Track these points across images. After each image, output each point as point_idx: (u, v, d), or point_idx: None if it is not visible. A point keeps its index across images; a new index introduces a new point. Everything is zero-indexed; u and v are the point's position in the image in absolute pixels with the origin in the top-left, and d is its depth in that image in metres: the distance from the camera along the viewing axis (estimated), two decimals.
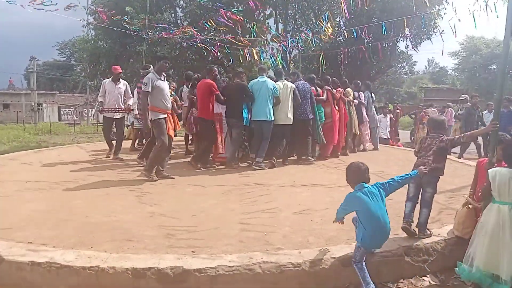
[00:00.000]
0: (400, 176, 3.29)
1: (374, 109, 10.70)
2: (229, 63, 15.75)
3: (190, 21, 17.14)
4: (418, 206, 3.69)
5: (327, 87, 8.57)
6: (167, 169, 6.32)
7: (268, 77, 7.71)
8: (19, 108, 37.52)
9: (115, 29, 13.51)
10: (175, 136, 7.25)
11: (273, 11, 19.24)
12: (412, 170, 3.65)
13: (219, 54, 14.09)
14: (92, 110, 33.74)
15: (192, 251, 3.22)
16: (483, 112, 11.27)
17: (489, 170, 3.09)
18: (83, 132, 22.19)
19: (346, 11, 11.95)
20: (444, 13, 14.73)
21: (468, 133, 3.82)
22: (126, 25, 12.72)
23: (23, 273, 2.94)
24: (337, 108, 8.67)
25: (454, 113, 12.97)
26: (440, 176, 3.68)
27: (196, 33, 13.00)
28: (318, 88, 8.41)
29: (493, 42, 32.96)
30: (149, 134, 7.45)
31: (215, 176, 6.54)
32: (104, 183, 5.96)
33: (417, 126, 13.92)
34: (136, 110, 8.44)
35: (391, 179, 3.25)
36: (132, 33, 13.24)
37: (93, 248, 3.25)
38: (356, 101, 9.45)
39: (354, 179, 3.14)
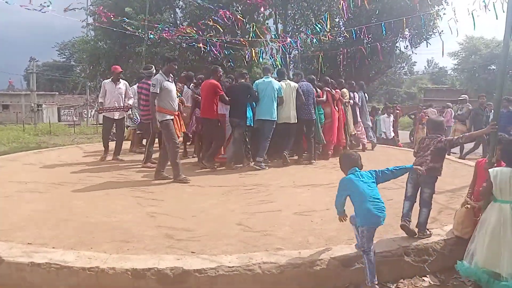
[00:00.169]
0: (395, 167, 3.32)
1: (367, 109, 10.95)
2: (229, 63, 15.77)
3: (189, 22, 17.15)
4: (417, 206, 3.69)
5: (326, 88, 8.70)
6: (166, 170, 6.30)
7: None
8: (19, 109, 37.51)
9: (114, 29, 13.51)
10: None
11: (273, 12, 19.25)
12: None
13: (219, 54, 14.05)
14: (91, 111, 33.71)
15: (192, 252, 3.22)
16: None
17: (490, 170, 3.10)
18: (83, 133, 22.17)
19: (345, 12, 11.96)
20: (444, 13, 14.74)
21: (467, 134, 3.82)
22: (126, 26, 12.72)
23: (23, 274, 2.94)
24: (336, 108, 8.77)
25: (453, 114, 12.96)
26: (439, 177, 3.68)
27: (196, 30, 13.00)
28: (318, 89, 8.50)
29: (493, 43, 32.99)
30: (148, 134, 7.45)
31: (215, 177, 6.54)
32: (104, 183, 5.95)
33: (417, 127, 13.92)
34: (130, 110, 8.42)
35: (385, 168, 3.30)
36: (131, 33, 13.25)
37: (93, 249, 3.25)
38: (351, 101, 9.61)
39: (347, 166, 3.25)
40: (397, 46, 19.37)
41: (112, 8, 14.62)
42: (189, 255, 3.12)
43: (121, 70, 8.50)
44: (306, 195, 5.26)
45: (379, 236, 3.59)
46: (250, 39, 13.15)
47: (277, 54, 14.77)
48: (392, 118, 13.35)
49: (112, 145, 8.40)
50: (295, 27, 20.19)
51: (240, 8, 16.25)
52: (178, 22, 18.66)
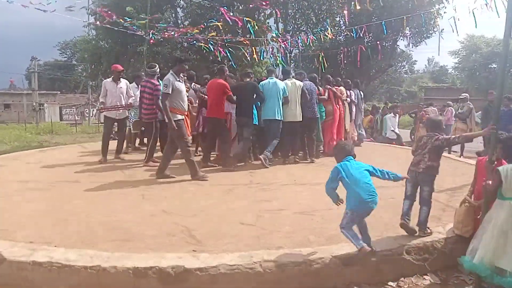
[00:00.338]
0: (388, 171, 3.35)
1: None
2: (229, 62, 15.78)
3: (190, 21, 17.16)
4: (418, 205, 3.69)
5: (328, 86, 8.78)
6: (172, 169, 6.32)
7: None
8: (21, 108, 37.56)
9: (116, 29, 13.52)
10: None
11: (273, 11, 19.24)
12: (408, 169, 3.74)
13: (219, 54, 14.05)
14: (93, 110, 33.75)
15: (193, 250, 3.23)
16: None
17: (499, 168, 3.10)
18: (85, 132, 22.19)
19: (346, 14, 11.97)
20: (444, 12, 14.72)
21: (464, 134, 3.83)
22: (127, 25, 12.72)
23: (24, 273, 2.94)
24: (337, 106, 8.88)
25: (454, 112, 12.94)
26: (436, 175, 3.69)
27: (196, 29, 13.00)
28: (319, 88, 8.58)
29: (493, 41, 32.91)
30: (150, 134, 7.43)
31: (216, 175, 6.54)
32: (105, 182, 5.96)
33: (417, 125, 13.88)
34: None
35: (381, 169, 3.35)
36: (133, 33, 13.26)
37: (94, 248, 3.25)
38: (348, 99, 9.72)
39: (341, 156, 3.34)
40: (397, 45, 19.38)
41: (113, 7, 14.62)
42: (190, 254, 3.13)
43: (122, 69, 8.40)
44: (307, 193, 5.26)
45: (380, 235, 3.60)
46: (251, 38, 13.15)
47: (277, 53, 14.78)
48: (398, 117, 13.34)
49: (112, 145, 8.37)
50: (295, 26, 20.18)
51: (241, 8, 16.27)
52: (179, 21, 18.67)
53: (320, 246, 3.30)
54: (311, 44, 13.91)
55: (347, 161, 3.26)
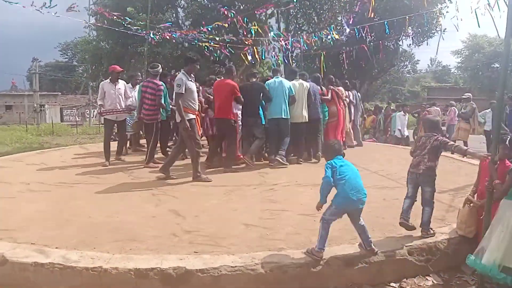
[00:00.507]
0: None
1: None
2: (231, 63, 15.77)
3: (191, 21, 17.15)
4: (419, 205, 3.68)
5: (331, 86, 8.79)
6: (171, 169, 6.32)
7: (272, 77, 7.83)
8: (22, 109, 37.61)
9: (116, 29, 13.53)
10: None
11: (275, 10, 19.20)
12: (408, 171, 3.74)
13: (219, 54, 14.05)
14: (94, 111, 33.82)
15: (195, 252, 3.22)
16: (486, 110, 11.23)
17: None
18: (86, 133, 22.25)
19: (350, 20, 11.96)
20: (447, 12, 14.67)
21: (460, 146, 3.77)
22: (128, 26, 12.71)
23: (26, 274, 2.95)
24: (341, 107, 8.96)
25: (457, 112, 12.91)
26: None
27: (198, 30, 13.01)
28: (322, 88, 8.60)
29: (496, 40, 32.74)
30: (151, 135, 7.41)
31: (218, 176, 6.53)
32: (106, 184, 5.96)
33: (420, 125, 13.85)
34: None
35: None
36: (133, 33, 13.26)
37: (96, 249, 3.25)
38: (347, 99, 9.77)
39: (330, 155, 3.34)
40: (400, 45, 19.34)
41: (114, 8, 14.63)
42: (192, 255, 3.12)
43: (121, 69, 8.23)
44: (309, 194, 5.23)
45: (382, 236, 3.59)
46: (252, 38, 13.13)
47: (279, 53, 14.75)
48: (407, 116, 13.19)
49: (113, 145, 8.35)
50: (297, 26, 20.15)
51: (242, 7, 16.25)
52: (180, 21, 18.67)
53: None
54: (312, 44, 13.86)
55: (337, 159, 3.27)
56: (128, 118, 8.40)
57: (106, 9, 13.29)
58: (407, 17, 11.48)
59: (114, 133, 8.74)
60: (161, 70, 7.55)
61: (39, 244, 3.35)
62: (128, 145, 9.50)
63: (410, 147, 4.52)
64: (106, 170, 7.08)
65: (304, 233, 3.67)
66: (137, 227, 3.86)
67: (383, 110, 15.54)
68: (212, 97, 7.52)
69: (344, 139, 9.20)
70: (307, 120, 7.66)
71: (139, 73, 10.35)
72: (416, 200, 3.70)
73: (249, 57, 13.36)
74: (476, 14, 7.85)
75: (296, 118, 7.53)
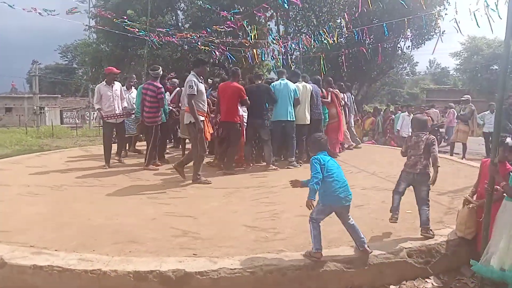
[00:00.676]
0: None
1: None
2: (230, 65, 15.79)
3: (191, 24, 17.19)
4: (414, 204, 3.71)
5: (330, 89, 8.85)
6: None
7: (271, 79, 7.85)
8: (22, 112, 37.65)
9: (116, 32, 13.55)
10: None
11: (274, 13, 19.26)
12: (404, 170, 3.78)
13: (223, 56, 14.08)
14: (94, 113, 33.84)
15: (194, 254, 3.22)
16: (485, 112, 11.24)
17: None
18: (85, 135, 22.25)
19: (347, 18, 11.98)
20: (445, 14, 14.73)
21: (436, 156, 3.73)
22: (128, 28, 12.74)
23: (25, 277, 2.94)
24: (340, 108, 9.11)
25: (456, 114, 12.92)
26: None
27: (197, 34, 13.04)
28: (323, 90, 8.68)
29: (495, 42, 32.87)
30: (150, 137, 7.40)
31: (217, 178, 6.53)
32: (106, 186, 5.96)
33: None
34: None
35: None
36: (133, 36, 13.29)
37: (95, 251, 3.25)
38: (342, 101, 9.87)
39: (316, 149, 3.31)
40: (399, 47, 19.37)
41: (114, 10, 14.66)
42: (191, 258, 3.12)
43: (118, 71, 8.09)
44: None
45: (381, 238, 3.59)
46: (251, 40, 13.16)
47: (278, 55, 14.79)
48: (412, 117, 13.11)
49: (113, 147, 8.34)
50: (296, 28, 20.19)
51: (241, 10, 16.28)
52: (180, 24, 18.71)
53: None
54: (312, 46, 13.92)
55: (324, 154, 3.25)
56: (125, 120, 8.38)
57: (107, 11, 13.29)
58: (406, 19, 11.50)
59: (113, 136, 8.71)
60: (161, 73, 7.54)
61: (38, 246, 3.34)
62: (127, 147, 9.48)
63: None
64: (106, 173, 7.07)
65: (303, 235, 3.66)
66: (137, 230, 3.85)
67: (382, 112, 15.57)
68: (215, 99, 7.52)
69: (343, 139, 9.32)
70: (309, 122, 7.73)
71: (134, 75, 10.32)
72: (403, 195, 3.77)
73: (249, 60, 13.40)
74: (475, 16, 7.86)
75: (298, 120, 7.61)
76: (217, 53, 13.84)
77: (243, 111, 7.45)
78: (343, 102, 9.82)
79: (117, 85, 7.82)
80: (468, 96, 11.92)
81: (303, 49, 16.15)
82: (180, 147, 9.23)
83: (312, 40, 13.17)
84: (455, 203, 4.71)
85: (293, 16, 20.21)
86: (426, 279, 3.28)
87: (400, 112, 15.13)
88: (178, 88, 9.13)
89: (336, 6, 18.44)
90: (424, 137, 3.71)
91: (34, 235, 3.65)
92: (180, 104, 8.51)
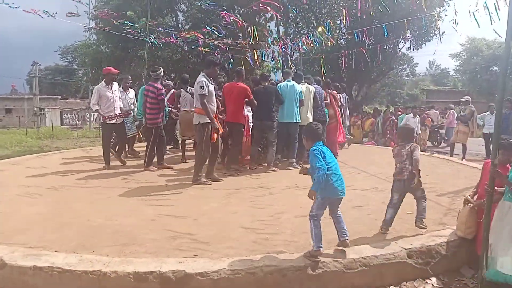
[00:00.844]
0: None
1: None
2: (230, 66, 15.81)
3: (191, 25, 17.20)
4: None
5: (328, 90, 8.95)
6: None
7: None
8: (22, 113, 37.63)
9: (116, 33, 13.56)
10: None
11: (274, 14, 19.25)
12: (394, 180, 3.80)
13: (220, 57, 14.09)
14: (94, 115, 33.83)
15: (194, 255, 3.22)
16: (485, 113, 11.25)
17: None
18: (85, 136, 22.25)
19: (347, 18, 11.98)
20: (445, 15, 14.74)
21: (418, 160, 3.77)
22: (128, 29, 12.76)
23: (25, 278, 2.94)
24: (338, 109, 9.16)
25: (456, 115, 12.93)
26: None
27: (199, 34, 13.04)
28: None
29: (495, 43, 32.93)
30: (149, 138, 7.40)
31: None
32: (105, 187, 5.96)
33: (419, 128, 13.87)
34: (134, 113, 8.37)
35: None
36: (133, 37, 13.31)
37: (95, 252, 3.25)
38: (339, 102, 9.96)
39: (313, 139, 3.33)
40: (399, 48, 19.38)
41: (114, 11, 14.67)
42: (191, 258, 3.12)
43: (117, 71, 8.02)
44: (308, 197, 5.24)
45: (381, 239, 3.59)
46: (252, 42, 13.16)
47: (278, 57, 14.80)
48: (418, 119, 12.63)
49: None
50: (296, 29, 20.20)
51: (241, 11, 16.29)
52: (180, 25, 18.71)
53: None
54: (312, 47, 13.94)
55: (321, 145, 3.28)
56: (126, 121, 8.37)
57: (106, 13, 13.30)
58: (405, 21, 11.51)
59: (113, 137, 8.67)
60: (162, 74, 7.52)
61: (38, 247, 3.35)
62: (126, 148, 9.45)
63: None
64: (106, 173, 7.08)
65: (303, 236, 3.67)
66: (137, 230, 3.85)
67: (382, 113, 15.58)
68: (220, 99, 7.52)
69: (343, 140, 9.35)
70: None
71: (129, 76, 10.29)
72: (398, 209, 3.80)
73: (249, 61, 13.40)
74: (474, 17, 7.87)
75: (304, 121, 7.59)
76: (217, 54, 13.85)
77: (248, 111, 7.44)
78: (339, 103, 9.91)
79: (115, 85, 7.78)
80: (468, 97, 11.94)
81: (303, 50, 16.18)
82: (180, 147, 9.19)
83: (311, 43, 13.17)
84: (455, 204, 4.70)
85: (293, 17, 20.22)
86: (426, 280, 3.28)
87: (400, 113, 15.18)
88: (173, 90, 9.15)
89: (336, 8, 18.45)
90: (407, 147, 3.77)
91: (34, 236, 3.65)
92: (179, 106, 8.51)
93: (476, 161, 8.99)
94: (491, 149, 3.32)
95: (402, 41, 17.65)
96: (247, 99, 6.99)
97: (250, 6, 12.80)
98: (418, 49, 19.27)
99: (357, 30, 12.33)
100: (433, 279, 3.29)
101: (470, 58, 35.19)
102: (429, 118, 14.70)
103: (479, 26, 8.13)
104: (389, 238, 3.61)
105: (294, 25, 20.31)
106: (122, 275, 2.85)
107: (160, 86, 7.25)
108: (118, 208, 4.71)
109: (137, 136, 12.55)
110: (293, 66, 18.92)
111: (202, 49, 13.72)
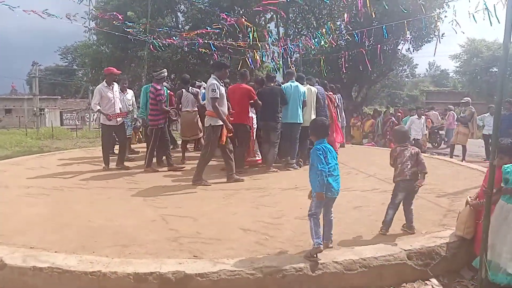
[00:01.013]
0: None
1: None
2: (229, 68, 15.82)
3: (191, 26, 17.21)
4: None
5: (325, 92, 8.92)
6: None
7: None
8: (22, 113, 37.61)
9: (116, 34, 13.57)
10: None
11: (274, 15, 19.28)
12: (397, 182, 3.80)
13: (220, 58, 14.09)
14: (94, 115, 33.80)
15: (194, 256, 3.22)
16: (485, 114, 11.26)
17: None
18: (85, 137, 22.23)
19: (347, 19, 12.01)
20: (445, 16, 14.73)
21: (425, 164, 3.82)
22: (128, 30, 12.76)
23: (25, 278, 2.94)
24: (334, 110, 9.18)
25: (456, 116, 12.93)
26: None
27: (198, 37, 13.07)
28: None
29: (494, 45, 32.93)
30: (149, 139, 7.40)
31: (217, 180, 6.53)
32: (105, 187, 5.97)
33: None
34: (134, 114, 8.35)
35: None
36: (133, 37, 13.31)
37: (95, 253, 3.25)
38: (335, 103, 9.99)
39: (320, 135, 3.43)
40: (398, 49, 19.38)
41: (114, 12, 14.69)
42: (191, 259, 3.12)
43: (118, 72, 7.95)
44: (308, 198, 5.24)
45: (381, 240, 3.59)
46: (251, 43, 13.18)
47: (278, 58, 14.80)
48: (423, 119, 12.39)
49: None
50: (296, 30, 20.20)
51: (241, 12, 16.32)
52: (180, 26, 18.73)
53: (322, 252, 3.28)
54: (312, 47, 13.94)
55: (323, 145, 3.34)
56: (126, 121, 8.37)
57: (106, 13, 13.31)
58: (405, 22, 11.52)
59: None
60: (165, 75, 7.48)
61: (38, 248, 3.35)
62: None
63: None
64: (106, 174, 7.08)
65: (303, 237, 3.67)
66: (137, 231, 3.85)
67: (382, 114, 15.59)
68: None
69: (342, 141, 9.41)
70: None
71: (125, 76, 10.29)
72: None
73: (249, 62, 13.42)
74: (474, 17, 7.89)
75: (305, 122, 7.58)
76: (216, 55, 13.87)
77: (252, 113, 7.45)
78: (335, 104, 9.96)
79: (116, 86, 7.76)
80: (468, 98, 11.94)
81: (303, 51, 16.19)
82: (181, 148, 9.19)
83: (312, 43, 13.18)
84: (455, 205, 4.71)
85: (293, 18, 20.22)
86: (426, 281, 3.28)
87: (400, 114, 15.18)
88: (168, 91, 9.16)
89: (335, 9, 18.46)
90: (410, 148, 3.82)
91: (34, 236, 3.65)
92: (180, 106, 8.50)
93: (476, 163, 8.99)
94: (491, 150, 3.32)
95: (402, 42, 17.64)
96: (251, 101, 7.03)
97: (251, 8, 12.81)
98: (418, 50, 19.28)
99: (357, 31, 12.35)
100: (433, 281, 3.29)
101: (470, 60, 35.18)
102: (429, 120, 14.69)
103: (476, 22, 8.12)
104: (389, 239, 3.61)
105: (294, 26, 20.31)
106: (122, 276, 2.85)
107: (158, 87, 7.23)
108: (118, 209, 4.72)
109: (138, 136, 12.64)
110: (293, 67, 18.95)
111: (202, 49, 13.74)
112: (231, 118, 6.70)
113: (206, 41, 13.41)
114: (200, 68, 17.48)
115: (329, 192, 3.28)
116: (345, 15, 11.96)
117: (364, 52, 12.76)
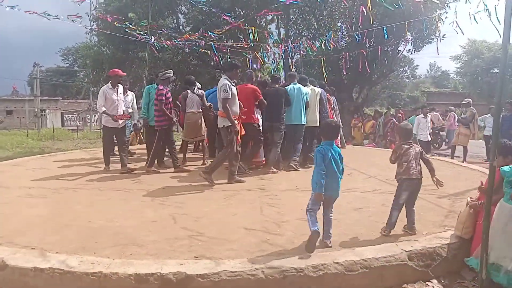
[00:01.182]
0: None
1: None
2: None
3: (192, 27, 17.23)
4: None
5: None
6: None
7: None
8: (23, 114, 37.61)
9: (117, 35, 13.58)
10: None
11: (275, 16, 19.28)
12: (402, 180, 3.80)
13: (221, 59, 14.11)
14: (95, 116, 33.85)
15: (195, 257, 3.22)
16: (486, 115, 11.25)
17: None
18: (86, 138, 22.25)
19: (349, 26, 12.05)
20: (446, 17, 14.74)
21: (432, 163, 3.86)
22: (129, 31, 12.77)
23: (26, 279, 2.95)
24: (331, 112, 9.33)
25: (456, 117, 12.93)
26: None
27: (197, 35, 13.08)
28: None
29: (495, 46, 32.89)
30: (152, 139, 7.40)
31: (218, 181, 6.52)
32: (106, 188, 5.97)
33: None
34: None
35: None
36: (135, 38, 13.32)
37: (96, 254, 3.26)
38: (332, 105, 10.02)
39: (328, 136, 3.57)
40: (399, 50, 19.37)
41: (115, 13, 14.70)
42: (192, 260, 3.12)
43: (123, 73, 7.98)
44: (309, 199, 5.24)
45: (381, 241, 3.59)
46: (253, 44, 13.19)
47: (279, 59, 14.81)
48: (429, 118, 12.08)
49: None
50: (297, 31, 20.21)
51: (242, 13, 16.34)
52: (181, 27, 18.74)
53: (322, 252, 3.29)
54: (313, 49, 13.93)
55: (329, 146, 3.45)
56: (127, 122, 8.38)
57: (108, 15, 13.32)
58: (406, 23, 11.51)
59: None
60: (169, 75, 7.44)
61: (39, 248, 3.35)
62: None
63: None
64: (107, 175, 7.09)
65: (303, 238, 3.66)
66: (137, 232, 3.86)
67: (383, 115, 15.59)
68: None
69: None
70: (318, 124, 7.79)
71: (126, 77, 10.28)
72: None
73: (250, 63, 13.43)
74: (474, 18, 7.88)
75: (309, 123, 7.74)
76: (216, 57, 13.88)
77: (258, 114, 7.45)
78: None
79: (121, 88, 7.75)
80: (469, 99, 11.94)
81: (303, 52, 16.19)
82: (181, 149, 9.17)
83: (312, 44, 13.19)
84: (455, 206, 4.70)
85: (294, 19, 20.23)
86: (427, 282, 3.28)
87: (400, 115, 15.17)
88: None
89: (336, 10, 18.47)
90: (414, 146, 3.86)
91: (35, 237, 3.66)
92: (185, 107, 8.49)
93: (477, 163, 8.99)
94: None
95: (403, 43, 17.64)
96: (257, 102, 7.08)
97: (251, 9, 12.83)
98: (419, 51, 19.28)
99: (357, 32, 12.35)
100: (434, 281, 3.29)
101: (470, 60, 35.16)
102: (430, 121, 14.67)
103: (476, 22, 8.10)
104: (390, 240, 3.61)
105: (295, 27, 20.32)
106: (123, 277, 2.85)
107: (160, 87, 7.25)
108: (118, 210, 4.72)
109: (138, 137, 12.65)
110: (294, 68, 18.96)
111: (203, 50, 13.75)
112: (243, 117, 6.73)
113: (207, 42, 13.40)
114: (200, 69, 17.48)
115: (328, 192, 3.34)
116: (344, 25, 12.00)
117: (364, 53, 12.76)
